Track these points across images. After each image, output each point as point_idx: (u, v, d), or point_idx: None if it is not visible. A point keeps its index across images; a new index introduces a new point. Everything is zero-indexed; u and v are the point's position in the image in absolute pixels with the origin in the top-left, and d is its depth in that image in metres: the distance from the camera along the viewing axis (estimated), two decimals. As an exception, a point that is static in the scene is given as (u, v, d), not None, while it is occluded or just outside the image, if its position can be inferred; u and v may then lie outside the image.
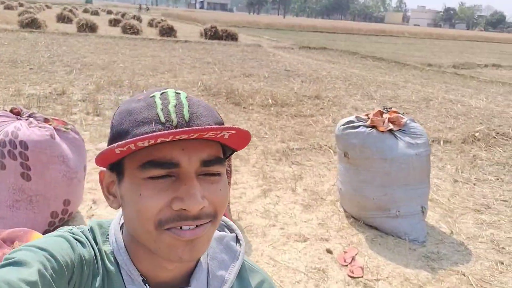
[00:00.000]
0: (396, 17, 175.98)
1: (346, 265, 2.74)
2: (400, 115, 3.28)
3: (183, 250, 0.63)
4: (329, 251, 2.89)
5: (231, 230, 0.83)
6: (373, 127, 3.16)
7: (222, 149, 0.68)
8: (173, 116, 0.61)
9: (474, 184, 4.25)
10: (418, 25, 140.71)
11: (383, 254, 2.90)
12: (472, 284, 2.61)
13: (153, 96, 0.64)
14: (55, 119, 2.85)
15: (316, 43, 20.01)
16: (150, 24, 25.23)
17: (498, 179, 4.42)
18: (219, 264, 0.76)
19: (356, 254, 2.87)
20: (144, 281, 0.69)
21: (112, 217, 2.53)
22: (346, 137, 3.19)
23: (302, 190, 3.81)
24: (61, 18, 22.12)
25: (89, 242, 0.69)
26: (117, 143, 0.58)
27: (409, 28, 58.59)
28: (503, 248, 3.05)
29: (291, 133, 5.51)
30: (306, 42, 20.24)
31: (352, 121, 3.23)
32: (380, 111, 3.26)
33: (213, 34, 18.87)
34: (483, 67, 15.46)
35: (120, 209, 0.70)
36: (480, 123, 6.62)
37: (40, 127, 2.67)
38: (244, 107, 6.72)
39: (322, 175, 4.19)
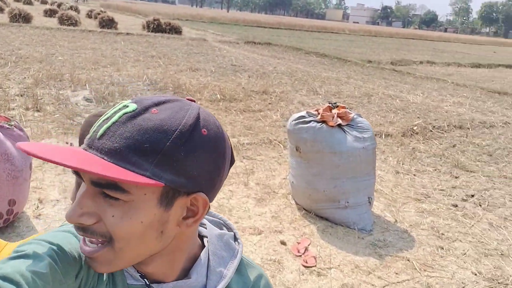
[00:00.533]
0: (336, 14, 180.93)
1: (300, 256, 2.84)
2: (348, 110, 3.42)
3: (88, 260, 0.64)
4: (283, 243, 2.97)
5: (230, 229, 0.85)
6: (323, 122, 3.27)
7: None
8: (94, 129, 0.61)
9: (414, 175, 4.51)
10: (358, 22, 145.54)
11: (334, 243, 3.03)
12: (416, 268, 2.80)
13: (120, 103, 0.63)
14: (-2, 115, 2.70)
15: (261, 38, 20.16)
16: (89, 16, 24.22)
17: (435, 169, 4.73)
18: (219, 260, 0.78)
19: (309, 245, 2.97)
20: (142, 276, 0.70)
21: (58, 216, 2.47)
22: (298, 131, 3.28)
23: (254, 184, 3.87)
24: (-9, 7, 20.71)
25: None
26: (24, 149, 0.55)
27: (349, 25, 60.49)
28: (442, 234, 3.28)
29: (241, 128, 5.55)
30: (251, 37, 20.33)
31: (303, 116, 3.32)
32: (329, 106, 3.38)
33: (156, 27, 18.45)
34: (418, 64, 16.31)
35: None
36: (418, 117, 7.01)
37: (-19, 123, 2.52)
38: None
39: (273, 169, 4.28)
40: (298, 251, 2.88)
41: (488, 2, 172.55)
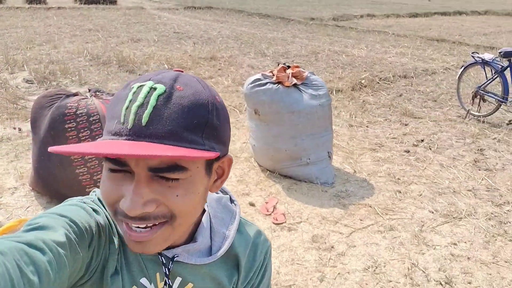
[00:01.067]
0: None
1: (270, 214, 2.93)
2: (301, 69, 3.46)
3: (133, 246, 0.65)
4: (251, 204, 3.04)
5: (225, 193, 0.89)
6: (279, 83, 3.31)
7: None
8: (131, 118, 0.58)
9: (367, 126, 4.70)
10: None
11: (300, 199, 3.14)
12: (378, 213, 2.97)
13: (132, 87, 0.62)
14: None
15: (201, 2, 19.64)
16: (13, -10, 22.48)
17: (386, 119, 4.93)
18: (220, 222, 0.82)
19: (276, 203, 3.06)
20: None
21: (19, 204, 2.42)
22: (255, 95, 3.30)
23: (215, 151, 3.89)
24: None
25: (102, 209, 0.71)
26: (62, 150, 0.55)
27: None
28: (398, 179, 3.48)
29: (194, 97, 5.49)
30: (190, 2, 19.74)
31: (259, 79, 3.34)
32: (283, 67, 3.41)
33: (89, -2, 17.49)
34: (359, 18, 16.57)
35: None
36: (365, 70, 7.21)
37: None
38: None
39: (233, 134, 4.30)
40: (267, 210, 2.97)
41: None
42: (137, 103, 0.59)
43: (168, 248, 0.75)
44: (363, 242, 2.67)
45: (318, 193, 3.23)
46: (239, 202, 3.04)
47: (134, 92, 0.60)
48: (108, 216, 0.72)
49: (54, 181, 2.91)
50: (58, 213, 0.62)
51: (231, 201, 0.88)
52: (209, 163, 0.66)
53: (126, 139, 0.58)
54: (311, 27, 13.07)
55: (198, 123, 0.60)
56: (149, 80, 0.61)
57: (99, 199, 0.74)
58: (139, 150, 0.54)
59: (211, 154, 0.60)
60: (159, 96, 0.59)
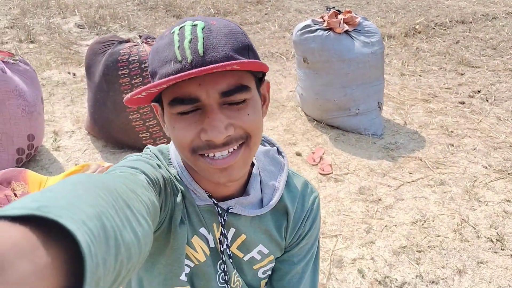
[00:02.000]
0: None
1: (316, 164, 2.94)
2: (353, 14, 3.31)
3: (219, 176, 0.69)
4: (298, 154, 3.05)
5: (272, 144, 0.90)
6: (330, 29, 3.19)
7: (251, 72, 0.69)
8: (188, 53, 0.62)
9: (420, 75, 4.50)
10: None
11: (348, 150, 3.12)
12: (428, 167, 2.91)
13: (173, 32, 0.65)
14: (0, 51, 2.64)
15: None
16: None
17: (440, 68, 4.70)
18: (269, 174, 0.84)
19: (323, 154, 3.06)
20: (210, 196, 0.76)
21: (77, 147, 2.54)
22: (305, 42, 3.21)
23: (262, 99, 3.88)
24: None
25: (163, 164, 0.75)
26: (134, 91, 0.62)
27: None
28: (451, 131, 3.36)
29: (240, 43, 5.42)
30: None
31: (309, 25, 3.24)
32: (334, 12, 3.28)
33: None
34: (415, -43, 15.42)
35: None
36: (419, 15, 6.80)
37: (-14, 62, 2.47)
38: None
39: (279, 83, 4.26)
40: (314, 161, 2.98)
41: None
42: (187, 39, 0.63)
43: (222, 200, 0.78)
44: (412, 195, 2.65)
45: (367, 144, 3.18)
46: (286, 152, 3.06)
47: (178, 34, 0.64)
48: (169, 170, 0.76)
49: (109, 126, 3.02)
50: (129, 165, 0.66)
51: (279, 153, 0.89)
52: (258, 86, 0.71)
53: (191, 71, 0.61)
54: (363, -32, 12.33)
55: (242, 46, 0.66)
56: (186, 21, 0.66)
57: (156, 155, 0.78)
58: (208, 70, 0.58)
59: (264, 66, 0.65)
60: (202, 29, 0.64)
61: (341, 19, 3.24)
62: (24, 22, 5.82)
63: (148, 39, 3.08)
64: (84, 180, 0.43)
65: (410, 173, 2.85)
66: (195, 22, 0.65)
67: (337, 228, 2.40)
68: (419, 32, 5.89)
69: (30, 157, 2.80)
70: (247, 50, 0.67)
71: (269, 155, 0.87)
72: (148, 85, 0.60)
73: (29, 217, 0.33)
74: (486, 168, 2.91)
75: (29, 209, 0.33)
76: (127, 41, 3.03)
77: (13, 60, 2.65)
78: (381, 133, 3.31)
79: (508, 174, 2.84)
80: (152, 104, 0.73)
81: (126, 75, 2.86)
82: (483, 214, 2.49)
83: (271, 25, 6.22)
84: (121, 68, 2.86)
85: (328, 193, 2.67)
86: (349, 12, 3.30)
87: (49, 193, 0.38)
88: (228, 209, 0.79)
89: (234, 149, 0.68)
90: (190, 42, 0.63)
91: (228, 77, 0.64)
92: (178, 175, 0.78)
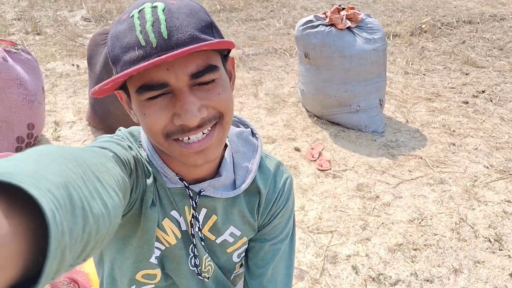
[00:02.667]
0: None
1: (315, 160, 2.92)
2: (356, 11, 3.29)
3: (195, 159, 0.68)
4: (297, 149, 3.04)
5: (246, 126, 0.89)
6: (332, 25, 3.17)
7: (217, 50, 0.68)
8: (151, 36, 0.60)
9: (424, 74, 4.46)
10: None
11: (347, 146, 3.09)
12: (428, 165, 2.88)
13: (132, 16, 0.63)
14: (3, 40, 2.65)
15: None
16: None
17: (445, 68, 4.66)
18: (242, 156, 0.84)
19: (322, 149, 3.04)
20: (181, 179, 0.75)
21: (77, 137, 2.52)
22: (306, 37, 3.19)
23: (263, 95, 3.86)
24: None
25: (134, 145, 0.74)
26: (102, 83, 0.61)
27: None
28: (453, 131, 3.32)
29: (244, 39, 5.41)
30: None
31: (311, 21, 3.21)
32: (337, 8, 3.25)
33: None
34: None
35: None
36: (426, 14, 6.75)
37: (-13, 50, 2.47)
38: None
39: (281, 78, 4.24)
40: (313, 156, 2.96)
41: None
42: (148, 23, 0.61)
43: (194, 183, 0.77)
44: (410, 193, 2.62)
45: (367, 141, 3.16)
46: (284, 147, 3.05)
47: (138, 17, 0.62)
48: (140, 153, 0.75)
49: (109, 117, 3.02)
50: (99, 146, 0.65)
51: (253, 134, 0.88)
52: (224, 63, 0.70)
53: (156, 56, 0.60)
54: (372, -33, 12.26)
55: (206, 24, 0.64)
56: (144, 3, 0.63)
57: (127, 137, 0.77)
58: (179, 54, 0.57)
59: (231, 43, 0.64)
60: (163, 11, 0.62)
61: (343, 15, 3.21)
62: (31, 14, 5.85)
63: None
64: (52, 151, 0.42)
65: (409, 171, 2.83)
66: (155, 4, 0.63)
67: (333, 224, 2.38)
68: (425, 32, 5.84)
69: (29, 146, 2.81)
70: (210, 28, 0.66)
71: (242, 137, 0.86)
72: (115, 76, 0.59)
73: None
74: (487, 168, 2.87)
75: None
76: (128, 32, 3.03)
77: (15, 49, 2.65)
78: (382, 131, 3.28)
79: (510, 174, 2.80)
80: (116, 91, 0.71)
81: (126, 67, 2.85)
82: (482, 214, 2.46)
83: (276, 22, 6.20)
84: (121, 60, 2.86)
85: (326, 189, 2.65)
86: (352, 8, 3.27)
87: (14, 161, 0.37)
88: (200, 191, 0.78)
89: (208, 130, 0.67)
90: (152, 26, 0.61)
91: (196, 58, 0.63)
92: (149, 158, 0.77)
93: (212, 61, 0.65)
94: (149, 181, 0.73)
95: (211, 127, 0.68)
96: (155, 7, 0.62)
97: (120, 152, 0.66)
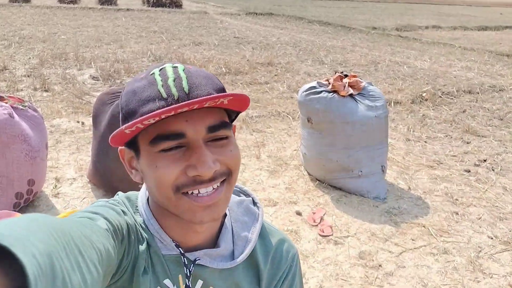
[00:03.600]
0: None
1: (316, 225, 2.87)
2: (358, 79, 3.38)
3: (202, 214, 0.68)
4: (298, 213, 3.00)
5: (247, 195, 0.88)
6: (334, 91, 3.24)
7: (226, 113, 0.72)
8: (174, 90, 0.64)
9: (425, 142, 4.50)
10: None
11: (349, 212, 3.05)
12: (432, 234, 2.82)
13: (153, 73, 0.67)
14: (11, 97, 2.71)
15: (262, 9, 19.82)
16: (88, -8, 23.86)
17: (446, 136, 4.70)
18: (242, 225, 0.82)
19: (324, 214, 3.00)
20: (177, 246, 0.73)
21: (76, 194, 2.52)
22: (309, 102, 3.26)
23: (266, 157, 3.88)
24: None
25: (129, 211, 0.73)
26: (125, 125, 0.62)
27: (351, -9, 59.16)
28: (456, 199, 3.29)
29: (249, 101, 5.52)
30: (252, 8, 19.98)
31: (314, 87, 3.30)
32: (340, 76, 3.35)
33: (156, 1, 18.16)
34: (424, 29, 16.02)
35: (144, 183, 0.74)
36: (426, 83, 6.94)
37: (-5, 106, 2.52)
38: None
39: (284, 141, 4.28)
40: (314, 221, 2.91)
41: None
42: (171, 78, 0.65)
43: (190, 251, 0.75)
44: (414, 263, 2.55)
45: (369, 207, 3.12)
46: (286, 210, 3.02)
47: (158, 74, 0.66)
48: (135, 218, 0.74)
49: (110, 175, 3.02)
50: (91, 211, 0.65)
51: (254, 203, 0.87)
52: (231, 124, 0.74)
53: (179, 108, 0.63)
54: (373, 37, 12.79)
55: (219, 88, 0.69)
56: (165, 64, 0.69)
57: (123, 202, 0.77)
58: (205, 100, 0.61)
59: (248, 98, 0.68)
60: (183, 70, 0.67)
61: (346, 82, 3.30)
62: (41, 71, 6.03)
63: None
64: (39, 219, 0.43)
65: (412, 240, 2.77)
66: (175, 64, 0.68)
67: (334, 293, 2.30)
68: (426, 100, 5.97)
69: (28, 202, 2.78)
70: (223, 91, 0.70)
71: (243, 206, 0.85)
72: (140, 118, 0.60)
73: None
74: (492, 238, 2.81)
75: None
76: (136, 93, 3.10)
77: (22, 106, 2.70)
78: (384, 197, 3.26)
79: (515, 246, 2.74)
80: (119, 149, 0.72)
81: (131, 126, 2.89)
82: (487, 287, 2.37)
83: (280, 86, 6.37)
84: (127, 119, 2.90)
85: (327, 255, 2.59)
86: (354, 76, 3.37)
87: (2, 224, 0.38)
88: (195, 260, 0.75)
89: (217, 185, 0.68)
90: (174, 81, 0.65)
91: (213, 113, 0.67)
92: (144, 223, 0.75)
93: (226, 118, 0.70)
94: (142, 247, 0.72)
95: (220, 183, 0.69)
96: (176, 67, 0.67)
97: (113, 217, 0.66)
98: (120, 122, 0.70)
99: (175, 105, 0.59)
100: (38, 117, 2.80)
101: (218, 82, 0.70)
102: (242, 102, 0.68)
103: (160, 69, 0.67)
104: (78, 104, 4.89)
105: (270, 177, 3.52)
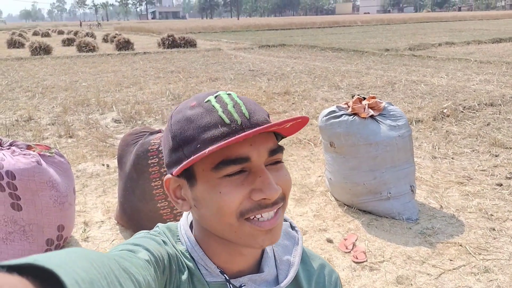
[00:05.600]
0: (346, 7, 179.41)
1: (349, 252, 2.80)
2: (378, 100, 3.36)
3: (263, 239, 0.68)
4: (329, 241, 2.94)
5: (284, 220, 0.87)
6: (355, 114, 3.23)
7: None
8: (236, 116, 0.65)
9: (452, 158, 4.41)
10: (368, 13, 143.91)
11: (382, 236, 2.97)
12: (470, 253, 2.72)
13: (208, 101, 0.68)
14: (38, 145, 2.78)
15: (274, 41, 20.17)
16: (105, 40, 24.78)
17: (473, 150, 4.60)
18: (283, 249, 0.82)
19: (356, 240, 2.93)
20: (222, 272, 0.73)
21: (105, 237, 2.53)
22: (330, 127, 3.25)
23: (291, 185, 3.85)
24: (12, 44, 21.49)
25: (169, 241, 0.73)
26: (196, 155, 0.63)
27: (360, 16, 59.96)
28: (491, 215, 3.18)
29: (269, 131, 5.54)
30: (264, 41, 20.36)
31: (334, 111, 3.29)
32: (359, 98, 3.34)
33: (171, 43, 18.72)
34: (437, 46, 15.99)
35: (187, 212, 0.78)
36: (446, 99, 6.86)
37: (24, 154, 2.59)
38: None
39: (307, 168, 4.25)
40: (346, 248, 2.84)
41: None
42: (230, 105, 0.67)
43: (235, 277, 0.75)
44: (455, 284, 2.44)
45: (402, 229, 3.04)
46: (316, 239, 2.96)
47: (215, 101, 0.67)
48: (176, 247, 0.74)
49: (137, 214, 3.03)
50: (132, 243, 0.65)
51: (292, 227, 0.86)
52: None
53: (243, 132, 0.64)
54: (386, 58, 12.82)
55: (267, 113, 0.71)
56: (218, 91, 0.71)
57: (163, 232, 0.77)
58: (274, 127, 0.64)
59: (304, 121, 0.69)
60: (238, 97, 0.69)
61: (365, 104, 3.29)
62: (64, 119, 6.21)
63: (178, 129, 3.19)
64: (79, 251, 0.44)
65: (450, 260, 2.67)
66: (228, 92, 0.70)
67: (375, 321, 2.21)
68: (448, 116, 5.89)
69: (58, 248, 2.80)
70: (269, 118, 0.72)
71: (282, 230, 0.84)
72: (214, 146, 0.62)
73: (26, 267, 0.34)
74: (535, 253, 2.69)
75: (25, 260, 0.34)
76: (158, 131, 3.15)
77: (49, 153, 2.77)
78: (416, 218, 3.17)
79: (560, 259, 2.61)
80: (165, 178, 0.72)
81: (155, 164, 2.93)
82: (537, 305, 2.25)
83: (298, 113, 6.38)
84: (151, 157, 2.94)
85: (363, 283, 2.50)
86: (373, 97, 3.35)
87: (42, 255, 0.38)
88: (240, 286, 0.74)
89: (278, 209, 0.69)
90: (233, 107, 0.66)
91: (271, 137, 0.69)
92: (188, 251, 0.75)
93: (280, 143, 0.71)
94: (184, 276, 0.71)
95: (279, 207, 0.70)
96: (230, 94, 0.69)
97: (154, 247, 0.66)
98: (169, 152, 0.71)
99: (247, 132, 0.61)
100: (65, 163, 2.86)
101: (264, 110, 0.73)
102: (301, 125, 0.70)
103: (215, 96, 0.68)
104: (102, 147, 4.98)
105: (297, 205, 3.47)
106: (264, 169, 0.66)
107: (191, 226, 0.79)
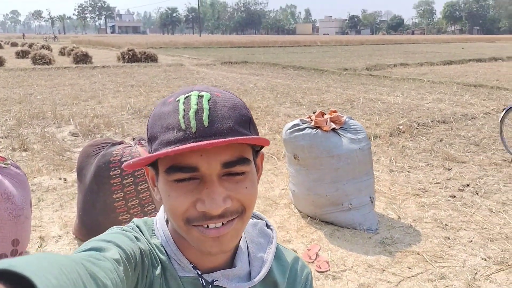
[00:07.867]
0: (306, 28, 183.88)
1: (312, 262, 2.84)
2: (339, 114, 3.47)
3: (211, 245, 0.68)
4: (293, 251, 2.96)
5: (260, 218, 0.89)
6: (318, 127, 3.31)
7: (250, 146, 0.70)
8: (193, 123, 0.63)
9: (408, 171, 4.58)
10: (327, 34, 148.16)
11: (344, 246, 3.04)
12: (427, 261, 2.82)
13: (178, 100, 0.67)
14: (-7, 155, 2.67)
15: (237, 58, 20.36)
16: (62, 53, 24.18)
17: (428, 164, 4.80)
18: (257, 246, 0.82)
19: (319, 250, 2.97)
20: (194, 267, 0.73)
21: (63, 252, 2.47)
22: (294, 140, 3.31)
23: (254, 198, 3.87)
24: (-39, 54, 20.52)
25: (143, 236, 0.73)
26: (140, 157, 0.63)
27: (319, 37, 61.69)
28: (446, 225, 3.33)
29: (232, 145, 5.57)
30: (227, 58, 20.51)
31: (297, 124, 3.36)
32: (321, 112, 3.43)
33: (131, 57, 18.48)
34: (393, 67, 16.66)
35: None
36: (402, 116, 7.14)
37: (-21, 164, 2.48)
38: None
39: (271, 181, 4.29)
40: (310, 258, 2.88)
41: (450, 1, 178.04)
42: (192, 109, 0.64)
43: (207, 272, 0.76)
44: (413, 291, 2.52)
45: (362, 239, 3.12)
46: (281, 249, 2.98)
47: (183, 103, 0.65)
48: (149, 243, 0.74)
49: (97, 228, 2.95)
50: (103, 239, 0.64)
51: (267, 226, 0.88)
52: (254, 158, 0.71)
53: (194, 142, 0.62)
54: (345, 77, 13.21)
55: (245, 119, 0.67)
56: (192, 91, 0.67)
57: (138, 228, 0.77)
58: (217, 143, 0.60)
59: (266, 141, 0.66)
60: (208, 101, 0.65)
61: (327, 118, 3.38)
62: (18, 132, 5.98)
63: (141, 141, 3.15)
64: (49, 256, 0.44)
65: (409, 268, 2.76)
66: (201, 93, 0.67)
67: (338, 329, 2.24)
68: (403, 132, 6.13)
69: (13, 262, 2.68)
70: (248, 123, 0.68)
71: (257, 227, 0.85)
72: (153, 154, 0.61)
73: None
74: (485, 260, 2.83)
75: (0, 265, 0.35)
76: (120, 143, 3.10)
77: (5, 164, 2.66)
78: (376, 228, 3.26)
79: (508, 265, 2.75)
80: (144, 167, 0.73)
81: (117, 176, 2.87)
82: (490, 309, 2.36)
83: (261, 128, 6.45)
84: (113, 169, 2.88)
85: (326, 291, 2.54)
86: (334, 111, 3.46)
87: (15, 260, 0.39)
88: (212, 281, 0.75)
89: (228, 220, 0.67)
90: (195, 112, 0.64)
91: (231, 149, 0.65)
92: (162, 245, 0.75)
93: (245, 154, 0.67)
94: (157, 271, 0.71)
95: (231, 219, 0.68)
96: (201, 96, 0.66)
97: (126, 243, 0.66)
98: (147, 142, 0.71)
99: (182, 146, 0.60)
100: (21, 175, 2.75)
101: (244, 112, 0.69)
102: (261, 141, 0.66)
103: (186, 97, 0.66)
104: (59, 161, 4.83)
105: (261, 217, 3.49)
106: (213, 180, 0.64)
107: (168, 221, 0.79)
